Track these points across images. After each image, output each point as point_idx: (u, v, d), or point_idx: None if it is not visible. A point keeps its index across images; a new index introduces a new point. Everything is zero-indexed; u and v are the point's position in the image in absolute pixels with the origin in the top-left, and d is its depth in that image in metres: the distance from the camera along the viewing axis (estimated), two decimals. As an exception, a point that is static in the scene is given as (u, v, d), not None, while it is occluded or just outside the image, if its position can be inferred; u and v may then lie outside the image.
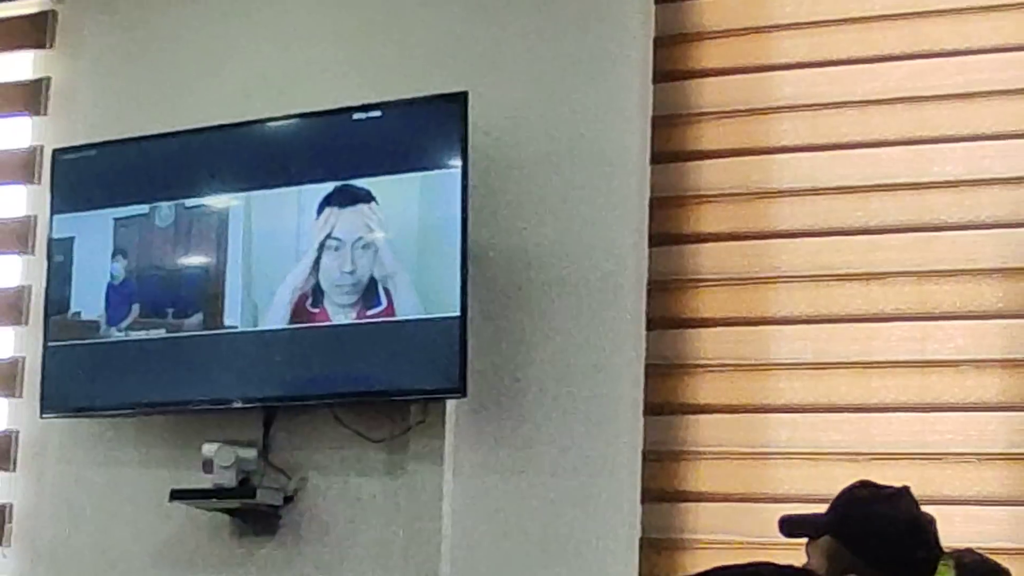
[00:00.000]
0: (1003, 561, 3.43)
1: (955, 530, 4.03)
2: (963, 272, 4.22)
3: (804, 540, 3.29)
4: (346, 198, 4.61)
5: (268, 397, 4.69)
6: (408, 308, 4.49)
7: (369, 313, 4.54)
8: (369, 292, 4.55)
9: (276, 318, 4.66)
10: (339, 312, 4.58)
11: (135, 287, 4.91)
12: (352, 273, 4.58)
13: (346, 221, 4.60)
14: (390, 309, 4.51)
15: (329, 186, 4.64)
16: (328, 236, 4.62)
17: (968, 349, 4.19)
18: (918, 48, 4.34)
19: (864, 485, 3.26)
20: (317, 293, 4.62)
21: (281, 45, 4.99)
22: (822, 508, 3.39)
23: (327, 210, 4.63)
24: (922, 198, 4.28)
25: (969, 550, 3.33)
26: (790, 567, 2.38)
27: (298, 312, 4.63)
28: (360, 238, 4.58)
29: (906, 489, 3.22)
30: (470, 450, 4.52)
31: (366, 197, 4.57)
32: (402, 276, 4.50)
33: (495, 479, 4.49)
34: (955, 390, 4.18)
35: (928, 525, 3.20)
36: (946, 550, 3.30)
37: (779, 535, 3.44)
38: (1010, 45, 4.24)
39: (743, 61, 4.52)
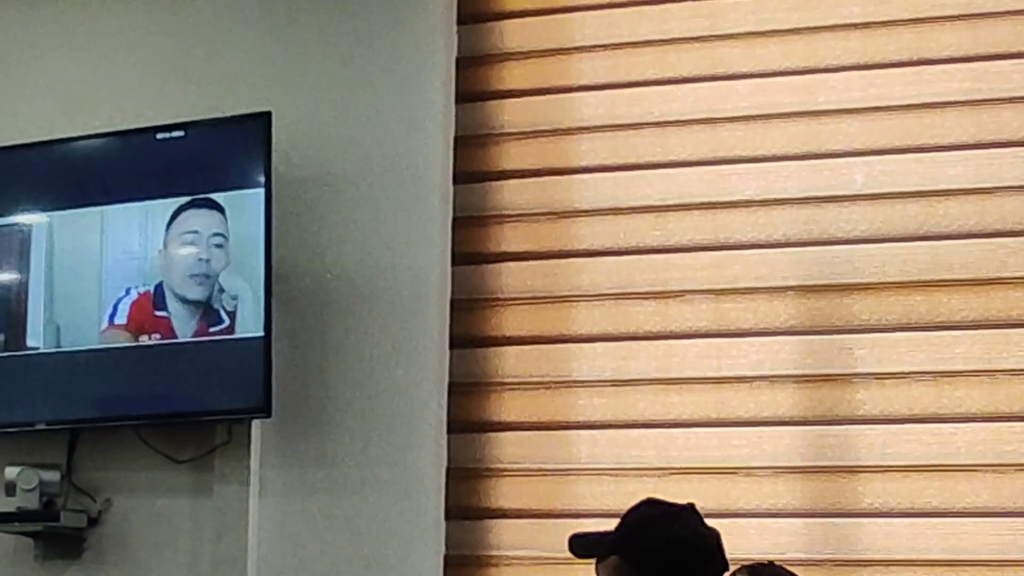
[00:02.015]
0: (799, 572, 3.50)
1: (751, 542, 4.14)
2: (757, 290, 4.31)
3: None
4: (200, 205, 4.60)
5: (71, 419, 4.65)
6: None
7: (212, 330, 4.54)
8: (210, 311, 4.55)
9: (79, 339, 4.63)
10: (182, 322, 4.57)
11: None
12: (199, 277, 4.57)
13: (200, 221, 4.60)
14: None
15: (135, 206, 4.62)
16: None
17: (762, 365, 4.28)
18: (713, 71, 4.43)
19: (650, 503, 3.30)
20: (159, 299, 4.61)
21: (85, 64, 4.96)
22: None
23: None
24: (717, 217, 4.37)
25: (770, 563, 3.40)
26: None
27: (108, 329, 4.61)
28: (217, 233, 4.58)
29: (691, 506, 3.27)
30: (275, 470, 4.53)
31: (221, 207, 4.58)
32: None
33: (300, 498, 4.50)
34: (750, 405, 4.27)
35: (713, 541, 3.25)
36: (745, 563, 3.36)
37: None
38: (799, 68, 4.35)
39: (544, 82, 4.59)
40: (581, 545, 3.31)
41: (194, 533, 4.61)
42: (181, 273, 4.58)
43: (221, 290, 4.50)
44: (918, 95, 4.26)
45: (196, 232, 4.58)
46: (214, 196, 4.55)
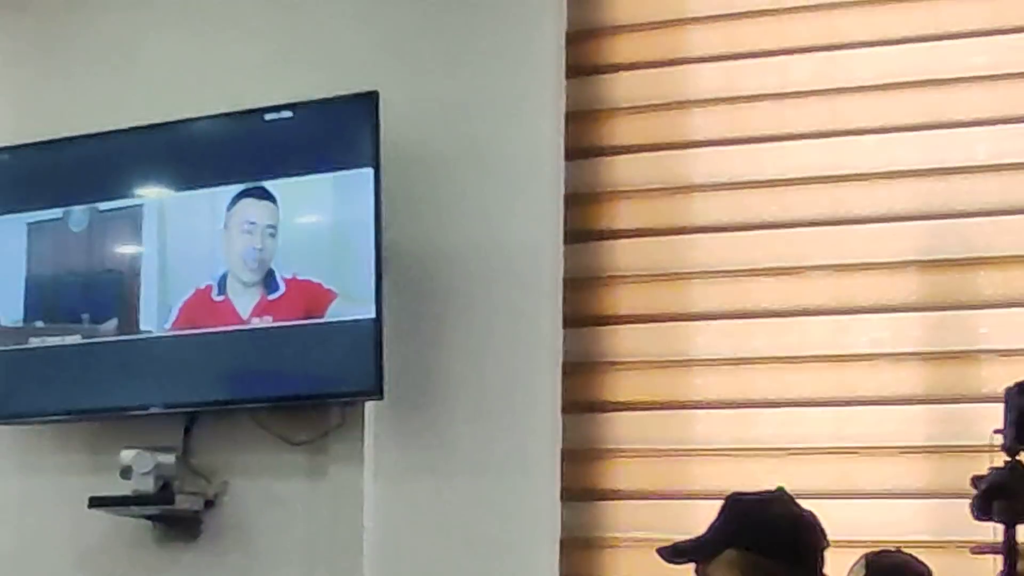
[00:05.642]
0: (921, 554, 3.44)
1: (873, 524, 4.05)
2: (878, 265, 4.21)
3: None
4: (257, 195, 4.58)
5: (187, 402, 4.66)
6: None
7: (270, 298, 4.52)
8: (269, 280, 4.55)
9: (188, 321, 4.63)
10: (243, 295, 4.56)
11: (51, 293, 4.86)
12: (260, 251, 4.58)
13: (256, 211, 4.59)
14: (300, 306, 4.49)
15: (241, 187, 4.61)
16: (238, 223, 4.62)
17: (884, 342, 4.18)
18: (830, 40, 4.32)
19: (741, 495, 3.22)
20: (224, 283, 4.61)
21: (193, 47, 4.95)
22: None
23: (239, 203, 4.61)
24: (836, 191, 4.26)
25: (898, 550, 3.36)
26: None
27: (203, 309, 4.60)
28: (270, 226, 4.57)
29: (783, 490, 3.21)
30: (389, 451, 4.50)
31: (274, 198, 4.55)
32: (315, 278, 4.48)
33: (414, 479, 4.47)
34: (871, 384, 4.17)
35: (817, 520, 3.20)
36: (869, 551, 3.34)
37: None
38: (918, 36, 4.23)
39: (656, 55, 4.50)
40: (682, 552, 3.21)
41: (309, 515, 4.61)
42: (237, 264, 4.62)
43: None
44: (1041, 61, 4.14)
45: (252, 223, 4.60)
46: (271, 184, 4.56)
